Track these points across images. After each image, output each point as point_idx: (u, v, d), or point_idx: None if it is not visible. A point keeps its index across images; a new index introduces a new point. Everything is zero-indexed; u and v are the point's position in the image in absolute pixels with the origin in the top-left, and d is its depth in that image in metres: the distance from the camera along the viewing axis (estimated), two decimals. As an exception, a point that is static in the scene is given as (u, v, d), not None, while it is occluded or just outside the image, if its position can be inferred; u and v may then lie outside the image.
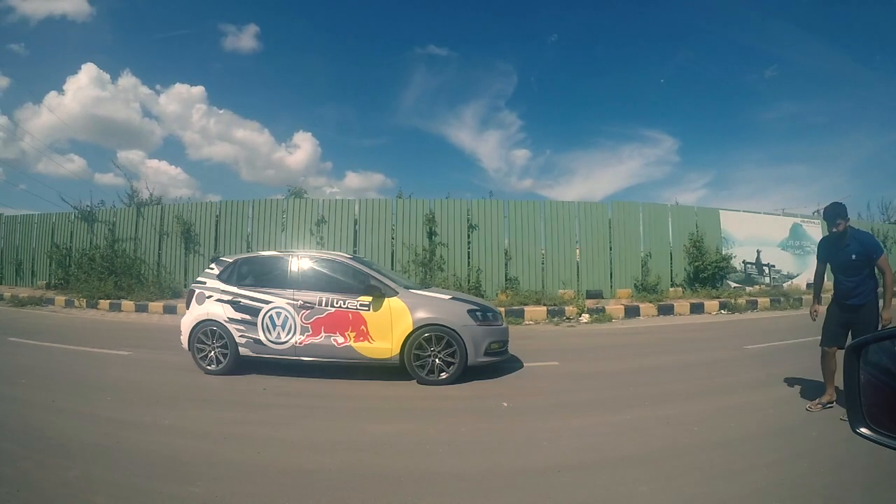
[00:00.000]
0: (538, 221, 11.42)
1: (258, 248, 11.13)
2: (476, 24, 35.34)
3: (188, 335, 5.08)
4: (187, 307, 5.20)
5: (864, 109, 33.23)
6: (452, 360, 4.57)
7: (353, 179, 35.40)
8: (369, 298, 4.69)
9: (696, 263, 11.62)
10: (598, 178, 35.58)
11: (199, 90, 32.51)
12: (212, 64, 35.09)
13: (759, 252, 13.04)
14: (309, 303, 4.78)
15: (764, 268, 13.15)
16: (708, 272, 11.58)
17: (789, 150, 34.73)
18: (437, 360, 4.58)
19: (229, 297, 5.01)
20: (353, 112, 36.91)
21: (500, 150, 37.42)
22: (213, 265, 5.32)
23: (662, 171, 36.00)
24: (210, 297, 5.09)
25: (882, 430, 0.98)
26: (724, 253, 12.07)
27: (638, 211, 11.99)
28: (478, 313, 4.72)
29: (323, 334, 4.74)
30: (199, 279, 5.31)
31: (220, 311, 4.99)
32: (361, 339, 4.68)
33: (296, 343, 4.78)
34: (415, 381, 4.59)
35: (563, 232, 11.47)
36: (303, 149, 35.17)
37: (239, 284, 5.07)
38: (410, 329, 4.59)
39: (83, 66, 32.54)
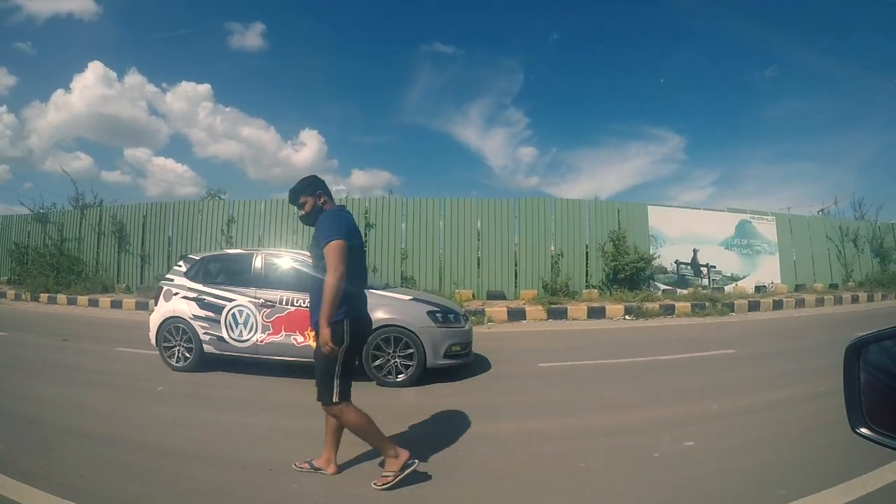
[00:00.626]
0: (437, 219, 11.32)
1: (179, 247, 12.07)
2: (482, 21, 35.42)
3: (155, 332, 5.13)
4: (155, 304, 5.27)
5: (871, 107, 32.55)
6: (410, 362, 4.51)
7: (359, 177, 35.49)
8: (329, 298, 4.66)
9: (614, 263, 11.07)
10: (605, 175, 35.17)
11: (205, 88, 32.89)
12: (218, 62, 35.56)
13: (695, 251, 12.17)
14: (270, 301, 4.78)
15: (702, 268, 12.19)
16: (625, 273, 10.96)
17: (796, 147, 34.20)
18: (395, 362, 4.52)
19: (194, 295, 5.04)
20: (358, 110, 37.09)
21: (506, 147, 37.16)
22: (181, 262, 5.37)
23: (669, 168, 35.51)
24: (177, 294, 5.13)
25: (882, 430, 0.96)
26: (651, 252, 11.49)
27: (548, 207, 11.64)
28: (438, 314, 4.65)
29: (283, 333, 4.72)
30: (167, 276, 5.37)
31: (185, 309, 5.03)
32: (320, 338, 4.65)
33: (257, 341, 4.78)
34: (375, 382, 4.55)
35: (465, 230, 11.30)
36: (309, 147, 35.40)
37: (205, 282, 5.10)
38: (368, 329, 4.54)
39: (89, 65, 33.08)
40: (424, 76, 36.11)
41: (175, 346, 5.04)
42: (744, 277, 12.56)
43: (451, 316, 4.75)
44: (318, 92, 37.37)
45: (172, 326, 5.05)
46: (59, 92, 31.36)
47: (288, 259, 5.09)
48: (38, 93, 36.97)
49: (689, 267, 12.14)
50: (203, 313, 4.96)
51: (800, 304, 11.23)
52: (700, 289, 11.67)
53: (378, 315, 4.57)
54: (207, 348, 4.95)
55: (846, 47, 32.89)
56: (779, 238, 13.26)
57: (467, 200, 11.57)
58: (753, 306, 10.51)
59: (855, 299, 12.10)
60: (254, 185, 37.40)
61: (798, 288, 12.90)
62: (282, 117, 39.23)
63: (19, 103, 34.53)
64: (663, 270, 11.77)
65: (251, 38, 34.38)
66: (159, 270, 11.41)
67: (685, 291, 11.35)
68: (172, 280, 5.23)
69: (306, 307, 4.66)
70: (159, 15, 33.90)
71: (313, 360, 4.63)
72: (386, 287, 5.44)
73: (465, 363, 4.83)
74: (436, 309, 4.70)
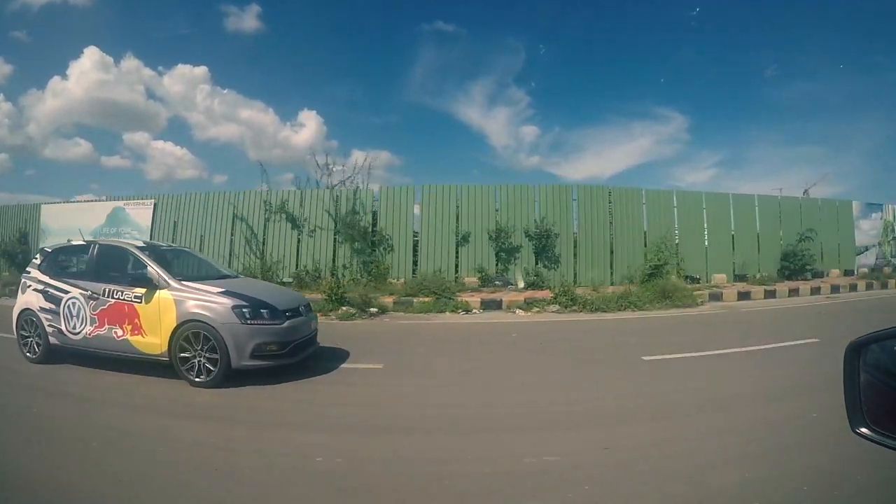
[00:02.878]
0: None
1: None
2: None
3: (15, 324, 5.21)
4: (18, 297, 5.36)
5: (881, 89, 29.04)
6: (214, 363, 4.18)
7: (359, 158, 34.89)
8: (143, 290, 4.46)
9: None
10: (608, 155, 33.19)
11: (202, 70, 32.93)
12: (214, 44, 34.61)
13: (67, 242, 11.81)
14: (95, 293, 4.66)
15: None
16: None
17: (804, 130, 31.39)
18: (202, 361, 4.22)
19: (42, 287, 5.05)
20: (358, 90, 36.26)
21: (508, 126, 35.48)
22: (37, 255, 5.43)
23: (673, 149, 32.92)
24: (30, 286, 5.17)
25: (882, 430, 0.97)
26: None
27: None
28: (245, 310, 4.25)
29: (106, 326, 4.58)
30: (27, 269, 5.45)
31: (34, 301, 5.05)
32: (136, 332, 4.45)
33: (87, 334, 4.68)
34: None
35: None
36: (308, 127, 35.08)
37: (51, 274, 5.09)
38: (174, 325, 4.27)
39: (85, 51, 32.56)
40: (426, 55, 35.19)
41: (29, 338, 5.09)
42: None
43: (263, 312, 4.34)
44: (316, 73, 36.76)
45: (26, 319, 5.10)
46: (56, 79, 32.42)
47: (118, 248, 4.96)
48: (35, 81, 38.45)
49: None
50: (47, 305, 4.95)
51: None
52: None
53: (184, 309, 4.32)
54: (52, 341, 4.93)
55: (856, 28, 29.13)
56: (153, 224, 12.85)
57: None
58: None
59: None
60: (255, 166, 37.86)
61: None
62: (280, 99, 38.82)
63: (16, 91, 35.10)
64: None
65: (247, 19, 34.09)
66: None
67: None
68: (30, 273, 5.29)
69: (125, 300, 4.55)
70: (154, -1, 33.98)
71: (132, 355, 4.13)
72: (224, 278, 5.13)
73: (283, 364, 4.40)
74: (243, 304, 4.30)
